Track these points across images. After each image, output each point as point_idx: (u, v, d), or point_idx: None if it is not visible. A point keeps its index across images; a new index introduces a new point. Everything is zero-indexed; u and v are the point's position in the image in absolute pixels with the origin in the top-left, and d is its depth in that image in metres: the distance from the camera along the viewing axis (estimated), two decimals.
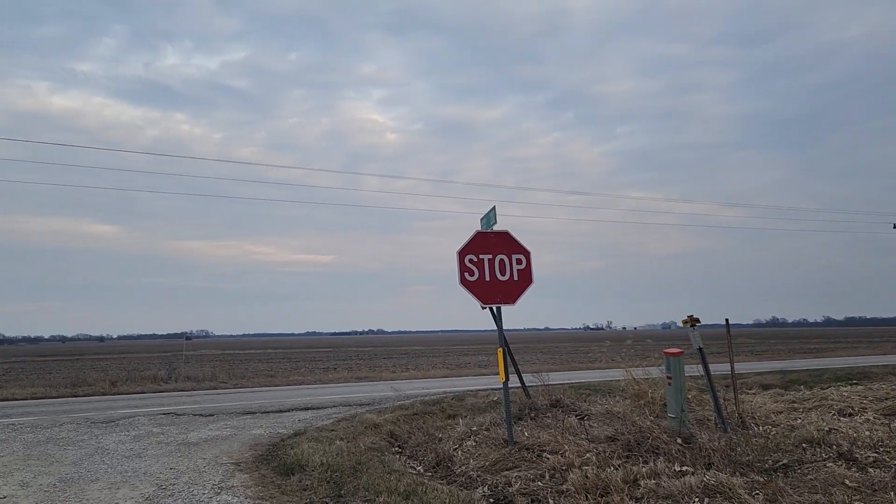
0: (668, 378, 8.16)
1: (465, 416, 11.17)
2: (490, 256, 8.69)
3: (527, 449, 7.85)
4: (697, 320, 7.85)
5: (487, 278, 8.60)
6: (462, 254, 8.60)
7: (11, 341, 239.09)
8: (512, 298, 8.64)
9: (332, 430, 10.31)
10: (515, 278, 8.70)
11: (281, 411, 13.54)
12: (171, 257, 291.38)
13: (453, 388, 18.27)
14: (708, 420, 8.58)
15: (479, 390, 16.29)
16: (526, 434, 8.43)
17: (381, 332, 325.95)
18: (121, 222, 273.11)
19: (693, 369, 9.20)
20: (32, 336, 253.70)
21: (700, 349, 7.84)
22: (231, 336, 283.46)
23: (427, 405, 12.98)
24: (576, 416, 9.59)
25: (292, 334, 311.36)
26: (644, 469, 6.63)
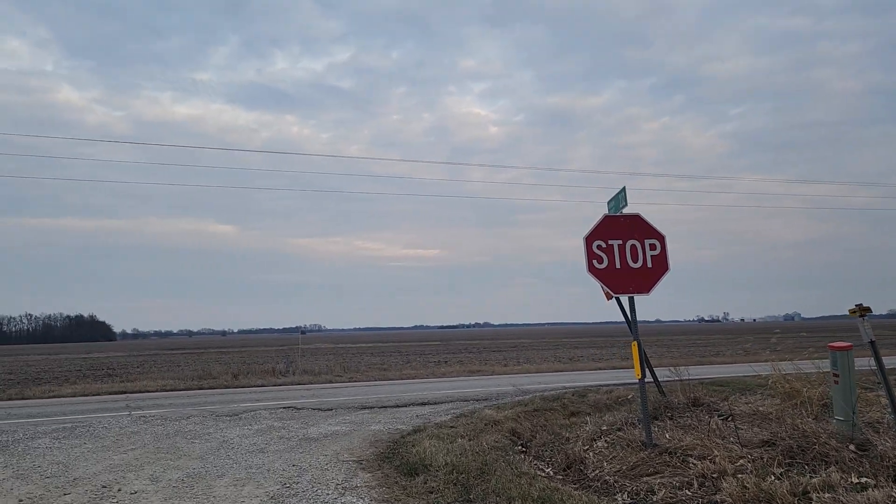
0: (835, 375, 7.18)
1: (591, 414, 10.50)
2: (620, 242, 7.99)
3: (668, 453, 7.12)
4: (868, 309, 6.85)
5: (618, 265, 7.91)
6: (589, 240, 7.95)
7: (144, 336, 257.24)
8: (646, 287, 7.91)
9: (451, 427, 9.92)
10: (649, 265, 7.96)
11: (398, 406, 13.34)
12: (285, 254, 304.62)
13: (571, 382, 17.55)
14: (879, 423, 7.52)
15: (600, 385, 15.50)
16: (666, 436, 7.69)
17: (487, 325, 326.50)
18: (239, 222, 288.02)
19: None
20: (163, 331, 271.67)
21: (872, 342, 6.84)
22: (342, 330, 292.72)
23: (547, 401, 12.38)
24: (718, 416, 8.73)
25: (401, 328, 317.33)
26: (815, 480, 5.77)
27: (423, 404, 13.53)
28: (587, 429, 9.02)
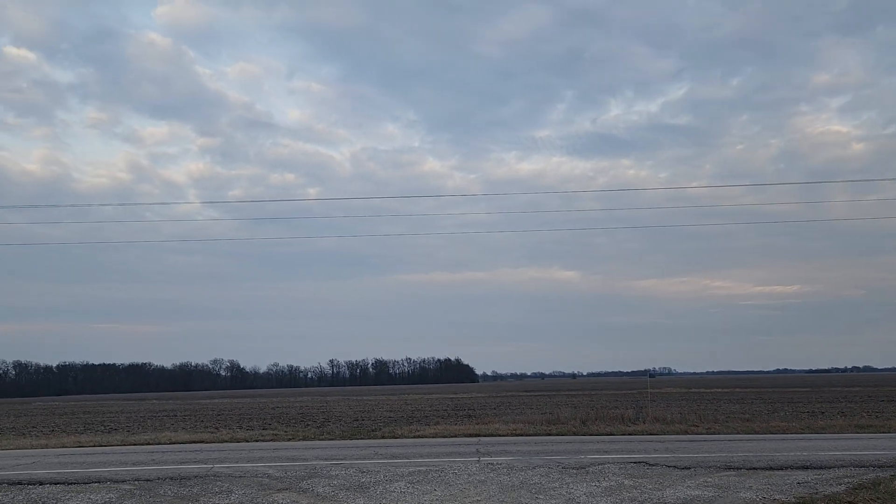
0: None
1: None
2: None
3: None
4: None
5: None
6: None
7: (503, 377, 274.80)
8: None
9: (849, 503, 7.80)
10: None
11: (770, 468, 11.23)
12: (629, 296, 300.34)
13: None
14: None
15: None
16: None
17: (868, 369, 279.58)
18: (581, 267, 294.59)
19: None
20: (518, 373, 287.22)
21: None
22: (694, 373, 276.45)
23: None
24: None
25: (760, 372, 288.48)
26: None
27: (805, 468, 11.18)
28: None
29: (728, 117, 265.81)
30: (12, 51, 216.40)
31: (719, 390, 69.63)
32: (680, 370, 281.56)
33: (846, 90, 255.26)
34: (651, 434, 18.28)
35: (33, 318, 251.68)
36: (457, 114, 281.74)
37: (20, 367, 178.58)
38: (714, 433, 18.50)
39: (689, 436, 17.78)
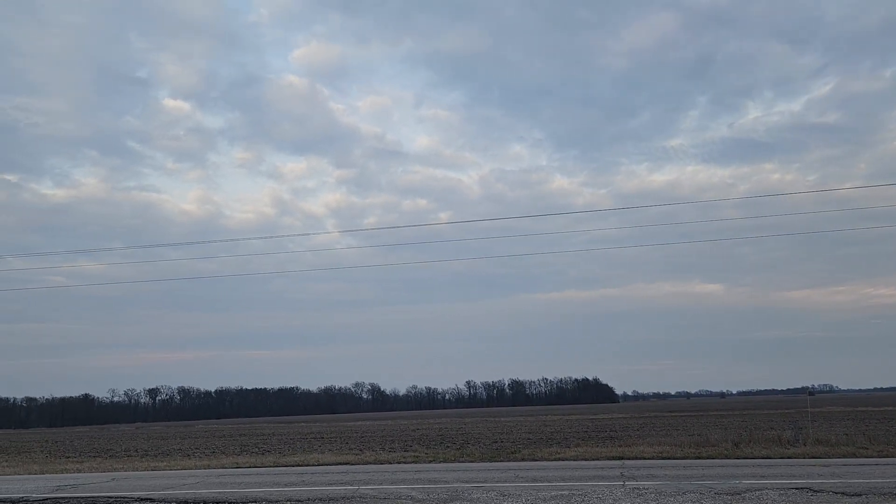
0: None
1: None
2: None
3: None
4: None
5: None
6: None
7: (644, 397, 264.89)
8: None
9: None
10: None
11: None
12: (780, 308, 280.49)
13: None
14: None
15: None
16: None
17: None
18: (724, 280, 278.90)
19: None
20: (661, 392, 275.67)
21: None
22: (860, 390, 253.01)
23: None
24: None
25: None
26: None
27: None
28: None
29: (882, 111, 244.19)
30: (170, 103, 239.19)
31: (890, 408, 63.32)
32: (843, 387, 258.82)
33: None
34: (813, 457, 16.88)
35: (194, 347, 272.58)
36: (583, 129, 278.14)
37: (183, 392, 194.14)
38: (887, 456, 16.79)
39: (857, 459, 16.24)
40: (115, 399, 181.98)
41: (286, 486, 13.77)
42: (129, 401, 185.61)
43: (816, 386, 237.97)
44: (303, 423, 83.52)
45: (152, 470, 19.95)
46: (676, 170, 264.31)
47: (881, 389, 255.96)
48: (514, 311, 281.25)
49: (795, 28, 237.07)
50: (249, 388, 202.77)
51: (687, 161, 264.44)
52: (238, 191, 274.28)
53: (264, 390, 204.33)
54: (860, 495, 10.35)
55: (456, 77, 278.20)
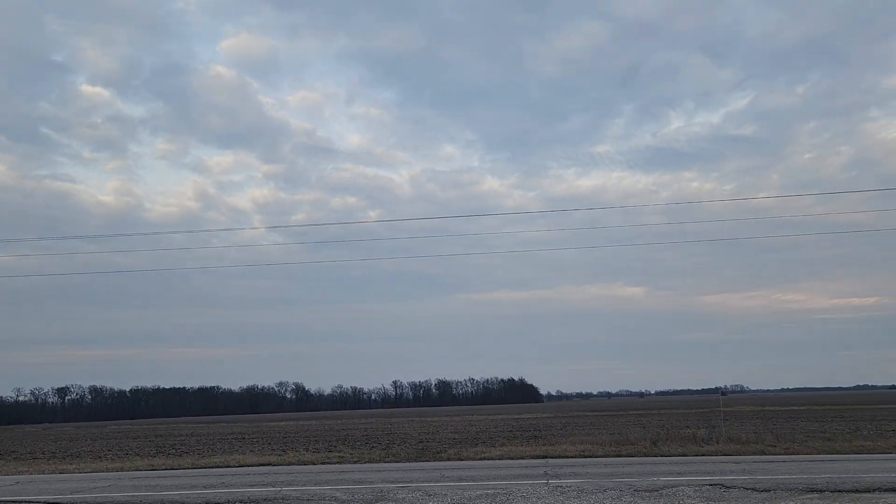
0: None
1: None
2: None
3: None
4: None
5: None
6: None
7: (567, 397, 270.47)
8: None
9: None
10: None
11: (857, 490, 10.61)
12: (697, 312, 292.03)
13: None
14: None
15: None
16: None
17: None
18: (647, 283, 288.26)
19: None
20: (584, 392, 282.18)
21: None
22: (768, 390, 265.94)
23: None
24: None
25: (839, 388, 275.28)
26: None
27: (894, 490, 10.52)
28: None
29: (795, 126, 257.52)
30: (88, 89, 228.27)
31: (796, 408, 66.82)
32: (753, 388, 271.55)
33: None
34: (725, 455, 17.59)
35: (107, 344, 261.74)
36: (515, 132, 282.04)
37: (95, 391, 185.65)
38: (793, 453, 17.67)
39: (766, 456, 17.03)
40: (21, 398, 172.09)
41: (205, 488, 13.36)
42: (36, 400, 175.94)
43: (728, 386, 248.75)
44: (223, 424, 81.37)
45: (60, 473, 18.99)
46: (603, 175, 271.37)
47: (787, 390, 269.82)
48: (442, 311, 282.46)
49: (717, 43, 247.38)
50: (167, 387, 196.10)
51: (613, 167, 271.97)
52: (160, 183, 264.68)
53: (183, 389, 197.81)
54: (768, 491, 10.84)
55: (389, 75, 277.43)
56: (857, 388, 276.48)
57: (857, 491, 10.59)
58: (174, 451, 30.14)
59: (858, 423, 34.73)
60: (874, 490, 10.62)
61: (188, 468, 18.90)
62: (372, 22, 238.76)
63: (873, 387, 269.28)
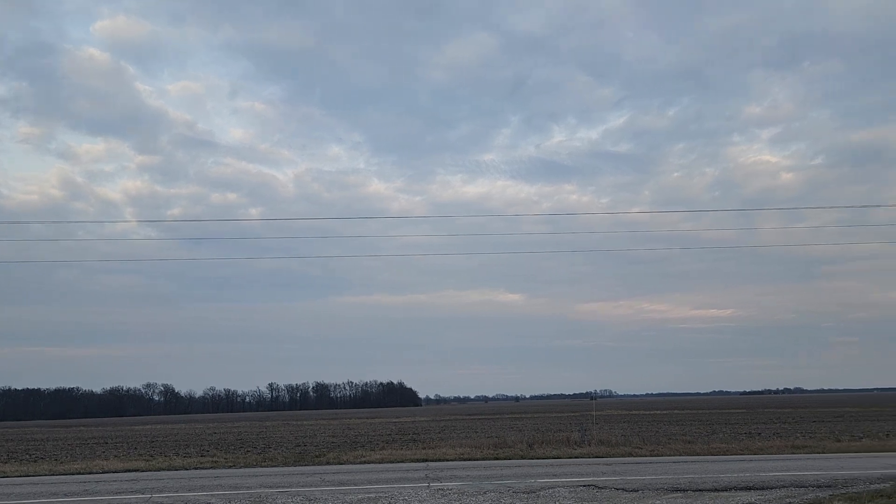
0: None
1: None
2: None
3: None
4: None
5: None
6: None
7: (445, 401, 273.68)
8: None
9: None
10: None
11: (716, 489, 11.43)
12: (573, 320, 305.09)
13: None
14: None
15: None
16: None
17: (799, 390, 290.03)
18: (526, 290, 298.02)
19: None
20: (462, 396, 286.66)
21: None
22: (634, 395, 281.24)
23: None
24: None
25: (697, 394, 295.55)
26: None
27: (749, 489, 11.42)
28: None
29: (666, 146, 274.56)
30: None
31: (659, 412, 70.88)
32: (620, 392, 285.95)
33: (776, 122, 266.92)
34: (597, 457, 18.42)
35: None
36: (403, 136, 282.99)
37: None
38: (658, 455, 18.76)
39: (634, 458, 17.98)
40: None
41: (65, 496, 12.47)
42: None
43: (598, 391, 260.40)
44: (83, 427, 76.10)
45: None
46: (488, 183, 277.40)
47: (651, 395, 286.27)
48: (321, 314, 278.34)
49: (599, 63, 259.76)
50: (20, 388, 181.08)
51: (498, 176, 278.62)
52: (20, 168, 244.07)
53: (37, 391, 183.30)
54: (637, 491, 11.46)
55: (276, 71, 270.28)
56: (714, 393, 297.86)
57: (716, 490, 11.40)
58: (28, 456, 27.86)
59: (715, 426, 37.35)
60: (731, 489, 11.47)
61: (45, 474, 17.57)
62: (259, 15, 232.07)
63: (728, 392, 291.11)
